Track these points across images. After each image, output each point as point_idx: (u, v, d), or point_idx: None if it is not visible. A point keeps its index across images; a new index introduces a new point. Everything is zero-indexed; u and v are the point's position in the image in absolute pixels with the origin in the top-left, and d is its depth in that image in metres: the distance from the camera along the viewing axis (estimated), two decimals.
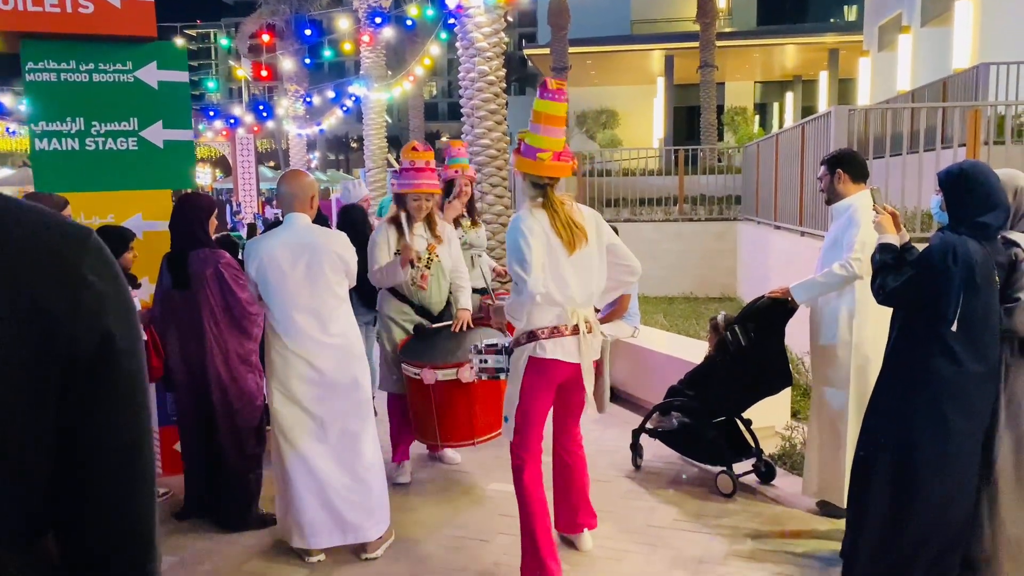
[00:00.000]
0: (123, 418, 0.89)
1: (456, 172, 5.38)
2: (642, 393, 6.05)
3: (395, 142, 24.53)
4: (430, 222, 4.57)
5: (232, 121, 19.17)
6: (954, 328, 2.94)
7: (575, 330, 3.34)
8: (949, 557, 3.18)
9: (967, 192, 3.05)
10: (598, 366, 3.60)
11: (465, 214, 5.42)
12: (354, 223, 5.92)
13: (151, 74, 4.73)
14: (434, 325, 4.53)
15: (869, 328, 3.86)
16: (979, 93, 10.04)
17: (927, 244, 3.13)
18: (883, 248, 3.20)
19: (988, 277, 2.97)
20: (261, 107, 18.05)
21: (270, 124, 22.22)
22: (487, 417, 4.31)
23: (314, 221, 3.97)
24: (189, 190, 4.93)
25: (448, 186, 5.39)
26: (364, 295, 5.69)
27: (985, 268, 2.96)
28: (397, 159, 24.21)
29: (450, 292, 4.70)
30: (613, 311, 6.11)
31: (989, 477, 3.17)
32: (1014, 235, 3.18)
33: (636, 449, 4.90)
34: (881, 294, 3.15)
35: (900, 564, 3.17)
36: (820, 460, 4.11)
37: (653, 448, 4.92)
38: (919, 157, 7.03)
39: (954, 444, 3.03)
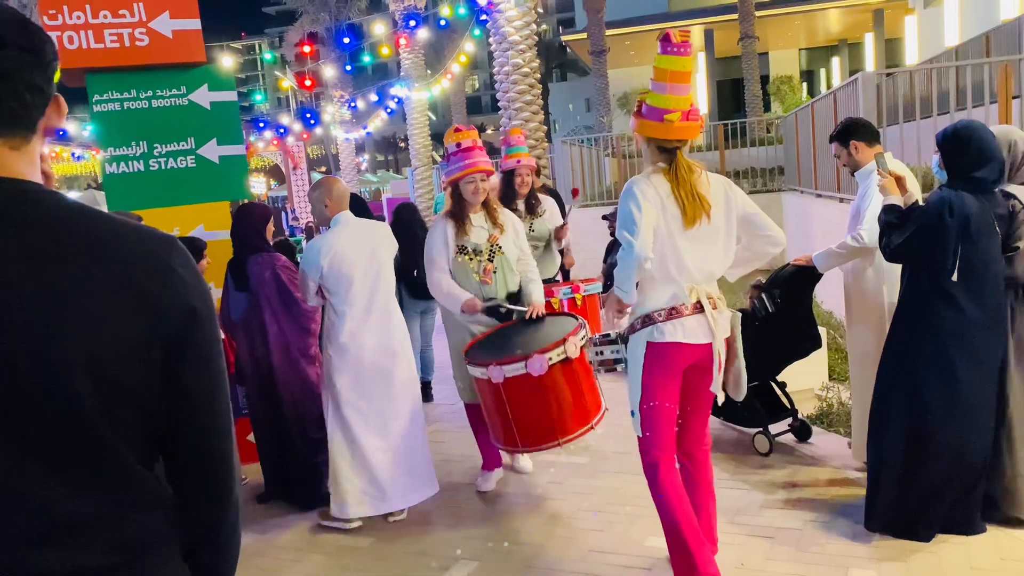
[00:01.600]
0: (206, 369, 1.21)
1: (518, 162, 5.10)
2: None
3: (439, 139, 24.95)
4: (489, 211, 4.26)
5: (282, 131, 19.81)
6: (954, 278, 3.12)
7: (696, 308, 3.01)
8: (970, 497, 3.36)
9: (961, 150, 3.22)
10: (728, 345, 3.19)
11: (519, 207, 5.11)
12: (401, 220, 6.28)
13: (203, 96, 5.13)
14: (510, 306, 4.19)
15: (898, 289, 4.00)
16: (1022, 45, 9.87)
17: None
18: (887, 209, 3.38)
19: (985, 228, 3.14)
20: (308, 115, 18.62)
21: (318, 131, 22.84)
22: (570, 413, 3.74)
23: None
24: (245, 200, 5.33)
25: (508, 177, 5.09)
26: (411, 285, 6.07)
27: (982, 220, 3.13)
28: (443, 156, 24.65)
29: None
30: None
31: (1004, 416, 3.34)
32: (1012, 188, 3.34)
33: None
34: (887, 251, 3.34)
35: (919, 507, 3.36)
36: (863, 422, 4.26)
37: None
38: (950, 117, 7.03)
39: (963, 389, 3.21)
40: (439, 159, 10.87)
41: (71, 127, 17.58)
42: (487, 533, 3.96)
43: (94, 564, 1.11)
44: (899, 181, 3.49)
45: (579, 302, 5.43)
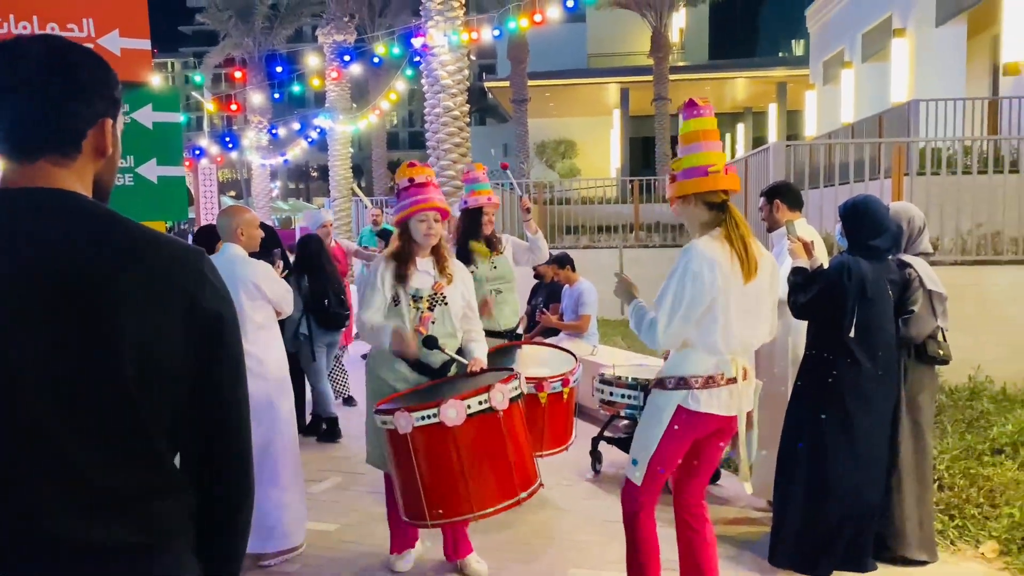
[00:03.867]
0: (234, 367, 1.34)
1: (488, 199, 4.84)
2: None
3: (357, 171, 24.95)
4: (438, 257, 3.75)
5: (197, 152, 19.43)
6: (852, 334, 3.48)
7: (731, 379, 2.98)
8: (864, 536, 3.69)
9: (859, 221, 3.63)
10: (749, 416, 3.16)
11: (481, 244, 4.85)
12: (309, 251, 6.30)
13: (147, 116, 5.12)
14: (450, 354, 3.63)
15: (803, 343, 4.36)
16: (911, 128, 10.80)
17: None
18: (795, 271, 3.75)
19: (879, 291, 3.53)
20: (227, 138, 18.37)
21: (233, 154, 22.48)
22: (490, 480, 3.23)
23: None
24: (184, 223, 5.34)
25: (475, 215, 4.81)
26: (321, 317, 6.11)
27: (876, 283, 3.52)
28: (361, 187, 24.51)
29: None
30: (574, 327, 6.61)
31: (895, 463, 3.71)
32: (908, 258, 3.76)
33: (595, 455, 5.35)
34: (795, 309, 3.70)
35: (820, 544, 3.66)
36: (766, 464, 4.59)
37: (611, 455, 5.38)
38: (850, 188, 7.67)
39: (859, 436, 3.56)
40: (359, 192, 10.95)
41: None
42: (415, 565, 4.04)
43: (130, 540, 1.22)
44: (806, 246, 3.86)
45: (565, 396, 4.43)
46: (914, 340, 3.70)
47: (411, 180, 3.73)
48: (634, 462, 3.13)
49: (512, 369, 3.62)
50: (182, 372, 1.26)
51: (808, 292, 3.63)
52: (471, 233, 4.84)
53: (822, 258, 3.91)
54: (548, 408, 4.23)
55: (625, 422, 5.20)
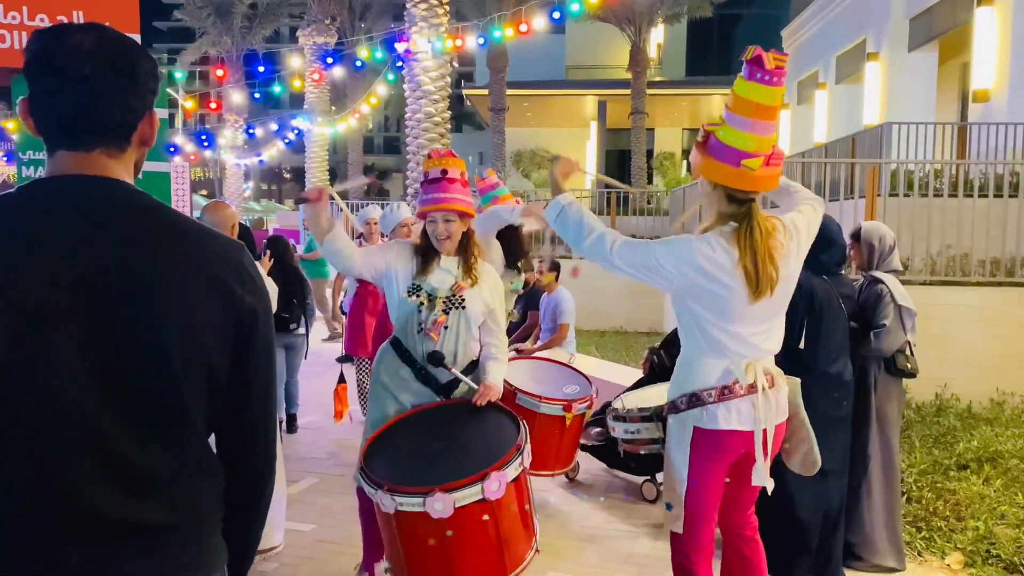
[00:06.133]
0: (267, 358, 1.40)
1: (518, 203, 4.19)
2: None
3: (332, 174, 24.84)
4: (465, 256, 3.37)
5: (172, 149, 19.25)
6: (802, 345, 3.53)
7: (752, 388, 2.54)
8: (829, 544, 3.75)
9: None
10: (792, 422, 2.79)
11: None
12: (279, 255, 6.22)
13: None
14: (459, 374, 3.30)
15: None
16: (883, 149, 11.04)
17: None
18: None
19: (829, 304, 3.58)
20: (203, 137, 18.24)
21: (207, 153, 22.30)
22: (476, 565, 2.81)
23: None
24: None
25: (511, 228, 4.12)
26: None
27: (825, 296, 3.58)
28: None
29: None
30: (553, 339, 6.67)
31: (865, 472, 3.81)
32: (879, 274, 3.87)
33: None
34: None
35: (790, 551, 3.72)
36: None
37: (586, 463, 5.44)
38: (826, 207, 7.82)
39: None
40: (335, 195, 10.93)
41: None
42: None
43: (165, 520, 1.26)
44: None
45: (587, 418, 4.55)
46: (884, 353, 3.80)
47: (426, 175, 3.37)
48: (668, 507, 2.74)
49: (519, 428, 3.02)
50: (221, 360, 1.32)
51: None
52: (516, 250, 4.23)
53: None
54: (571, 428, 4.31)
55: (598, 430, 5.25)
